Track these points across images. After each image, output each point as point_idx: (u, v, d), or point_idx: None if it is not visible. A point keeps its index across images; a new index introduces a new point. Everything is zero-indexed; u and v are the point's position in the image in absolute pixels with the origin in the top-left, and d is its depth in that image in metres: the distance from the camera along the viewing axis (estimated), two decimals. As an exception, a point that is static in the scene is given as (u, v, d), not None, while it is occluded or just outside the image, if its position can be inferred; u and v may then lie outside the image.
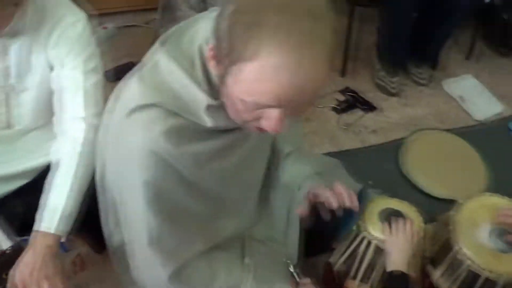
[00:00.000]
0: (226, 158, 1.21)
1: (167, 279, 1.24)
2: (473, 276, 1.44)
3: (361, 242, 1.49)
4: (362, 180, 1.57)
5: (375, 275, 1.51)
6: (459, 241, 1.47)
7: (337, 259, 1.58)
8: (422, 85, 2.77)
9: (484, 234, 1.49)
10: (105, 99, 1.29)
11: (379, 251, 1.46)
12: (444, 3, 2.46)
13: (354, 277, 1.55)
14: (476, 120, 2.59)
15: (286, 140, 1.49)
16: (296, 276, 1.43)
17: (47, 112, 1.49)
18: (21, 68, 1.39)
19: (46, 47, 1.39)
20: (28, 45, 1.37)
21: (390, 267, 1.39)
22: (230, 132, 1.16)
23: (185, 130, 1.09)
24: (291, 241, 1.45)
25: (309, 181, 1.42)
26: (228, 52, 0.93)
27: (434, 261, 1.57)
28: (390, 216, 1.48)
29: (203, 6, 2.40)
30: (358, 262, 1.52)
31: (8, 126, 1.47)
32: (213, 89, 1.05)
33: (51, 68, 1.42)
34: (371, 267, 1.50)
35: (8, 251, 1.35)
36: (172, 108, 1.07)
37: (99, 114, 1.37)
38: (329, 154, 2.28)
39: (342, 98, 2.66)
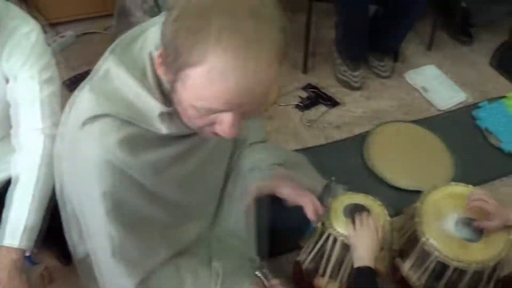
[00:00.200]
0: (185, 164, 1.21)
1: None
2: (442, 267, 1.46)
3: (327, 239, 1.49)
4: (327, 177, 1.56)
5: (344, 272, 1.50)
6: (426, 232, 1.47)
7: (305, 257, 1.58)
8: (385, 77, 2.76)
9: (450, 224, 1.50)
10: (63, 108, 1.27)
11: (346, 247, 1.45)
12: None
13: (323, 275, 1.55)
14: (440, 110, 2.60)
15: (249, 132, 1.49)
16: (264, 279, 1.41)
17: (4, 125, 1.47)
18: None
19: (0, 59, 1.36)
20: None
21: (357, 263, 1.39)
22: (187, 137, 1.16)
23: (140, 139, 1.08)
24: (249, 234, 1.45)
25: (263, 172, 1.43)
26: (174, 58, 0.92)
27: (403, 254, 1.57)
28: (354, 212, 1.47)
29: (157, 11, 2.38)
30: (326, 259, 1.52)
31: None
32: (166, 96, 1.05)
33: (7, 81, 1.40)
34: (339, 263, 1.50)
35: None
36: (125, 117, 1.05)
37: (57, 124, 1.34)
38: (293, 151, 2.26)
39: (304, 95, 2.63)
